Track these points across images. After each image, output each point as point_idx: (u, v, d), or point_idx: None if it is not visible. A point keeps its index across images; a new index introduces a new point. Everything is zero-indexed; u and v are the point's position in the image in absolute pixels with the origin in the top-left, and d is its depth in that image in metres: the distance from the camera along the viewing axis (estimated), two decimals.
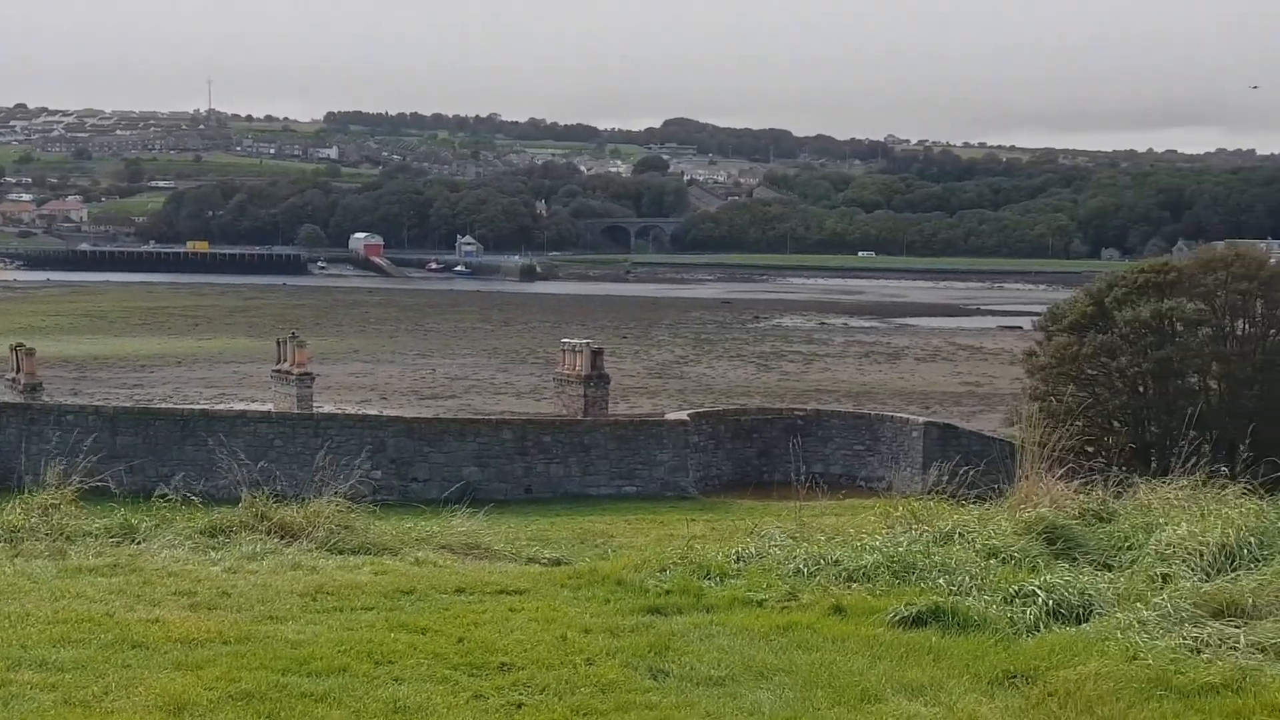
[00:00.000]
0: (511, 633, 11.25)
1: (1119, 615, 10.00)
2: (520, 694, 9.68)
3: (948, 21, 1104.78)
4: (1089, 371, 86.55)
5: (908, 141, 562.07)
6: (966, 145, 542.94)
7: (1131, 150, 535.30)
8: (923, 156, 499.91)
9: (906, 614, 10.63)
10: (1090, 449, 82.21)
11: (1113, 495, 13.55)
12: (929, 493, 16.43)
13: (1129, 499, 13.44)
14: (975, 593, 10.95)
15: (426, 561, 15.19)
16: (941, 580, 11.33)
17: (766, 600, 11.83)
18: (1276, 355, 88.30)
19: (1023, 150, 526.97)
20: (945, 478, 16.38)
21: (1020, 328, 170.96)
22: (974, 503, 14.93)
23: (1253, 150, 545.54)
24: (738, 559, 13.54)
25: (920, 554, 12.00)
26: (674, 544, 15.35)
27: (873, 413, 62.59)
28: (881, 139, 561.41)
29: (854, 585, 11.80)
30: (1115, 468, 19.17)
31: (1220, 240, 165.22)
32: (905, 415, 59.09)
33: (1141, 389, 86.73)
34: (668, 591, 12.41)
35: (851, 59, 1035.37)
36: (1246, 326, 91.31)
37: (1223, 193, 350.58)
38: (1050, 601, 10.41)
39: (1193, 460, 13.84)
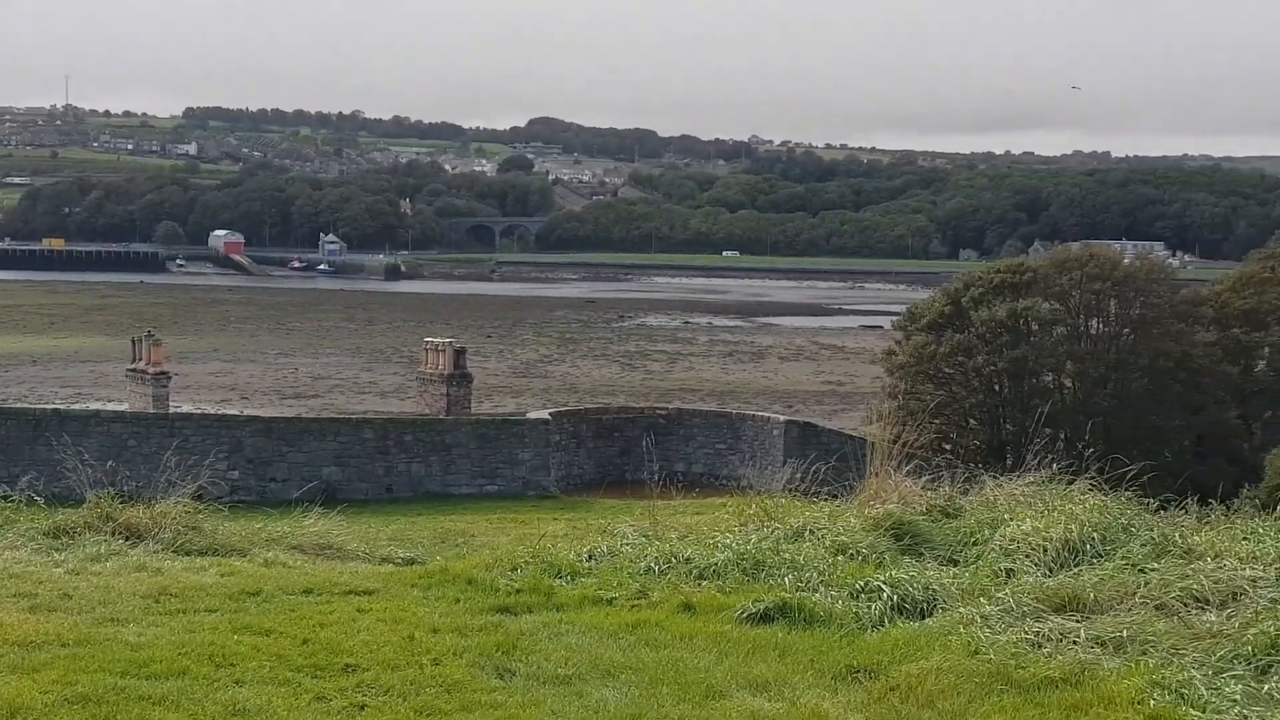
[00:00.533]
0: (358, 634, 11.09)
1: (963, 610, 10.10)
2: (364, 695, 9.54)
3: (810, 23, 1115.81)
4: (946, 370, 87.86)
5: (771, 142, 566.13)
6: (829, 146, 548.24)
7: (989, 152, 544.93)
8: (786, 157, 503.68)
9: (754, 611, 10.64)
10: (947, 446, 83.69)
11: (960, 492, 13.67)
12: (786, 490, 16.53)
13: (976, 495, 13.57)
14: (823, 589, 10.99)
15: (276, 562, 14.96)
16: (790, 577, 11.36)
17: (617, 599, 11.78)
18: (1129, 354, 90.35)
19: (883, 152, 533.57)
20: (801, 475, 16.45)
21: (881, 327, 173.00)
22: (827, 500, 15.01)
23: (1108, 152, 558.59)
24: (590, 557, 13.48)
25: (770, 551, 12.03)
26: (526, 543, 15.25)
27: (734, 412, 62.94)
28: (745, 139, 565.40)
29: (704, 583, 11.78)
30: (966, 465, 19.37)
31: (1075, 241, 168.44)
32: (767, 414, 59.53)
33: (997, 387, 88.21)
34: (518, 590, 12.32)
35: (715, 59, 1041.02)
36: (1100, 326, 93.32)
37: (1078, 194, 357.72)
38: (895, 597, 10.49)
39: (1040, 458, 14.00)
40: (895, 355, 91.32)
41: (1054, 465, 14.03)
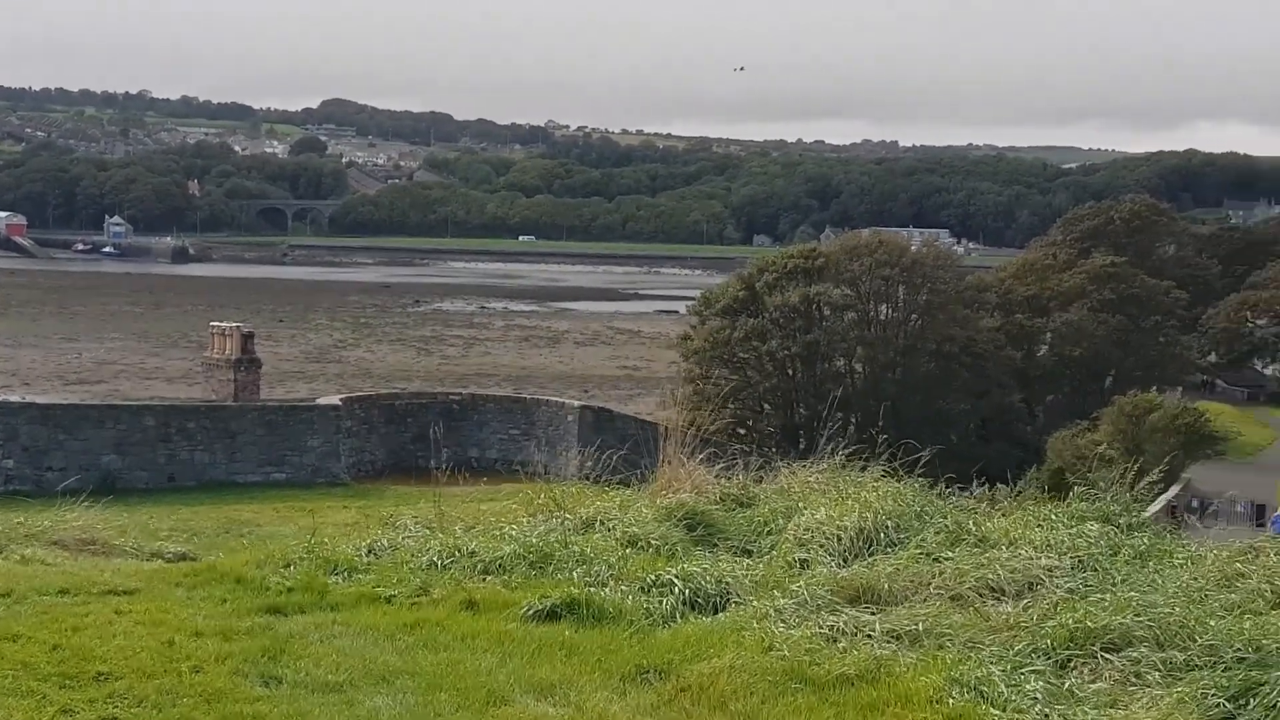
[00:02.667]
0: (114, 638, 10.25)
1: (756, 604, 9.57)
2: (115, 707, 8.77)
3: (605, 7, 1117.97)
4: (741, 355, 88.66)
5: (568, 127, 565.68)
6: (625, 132, 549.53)
7: (782, 140, 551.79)
8: (582, 142, 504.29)
9: (541, 608, 9.96)
10: (742, 431, 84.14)
11: (755, 479, 13.23)
12: (581, 477, 16.02)
13: (770, 483, 13.15)
14: (612, 583, 10.33)
15: (34, 559, 13.97)
16: (579, 571, 10.71)
17: (396, 596, 11.02)
18: (917, 339, 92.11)
19: (679, 138, 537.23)
20: (592, 462, 15.92)
21: (676, 312, 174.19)
22: (619, 488, 14.52)
23: (895, 142, 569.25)
24: (369, 552, 12.64)
25: (559, 544, 11.35)
26: (300, 537, 14.41)
27: (529, 397, 62.31)
28: (542, 124, 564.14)
29: (489, 578, 11.07)
30: (761, 450, 19.00)
31: (865, 228, 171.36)
32: (561, 400, 59.03)
33: (790, 372, 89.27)
34: (290, 589, 11.47)
35: (512, 43, 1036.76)
36: (889, 311, 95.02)
37: (868, 182, 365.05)
38: (688, 591, 9.90)
39: (834, 443, 13.63)
40: (691, 340, 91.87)
41: (845, 451, 13.68)
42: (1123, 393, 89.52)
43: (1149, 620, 8.05)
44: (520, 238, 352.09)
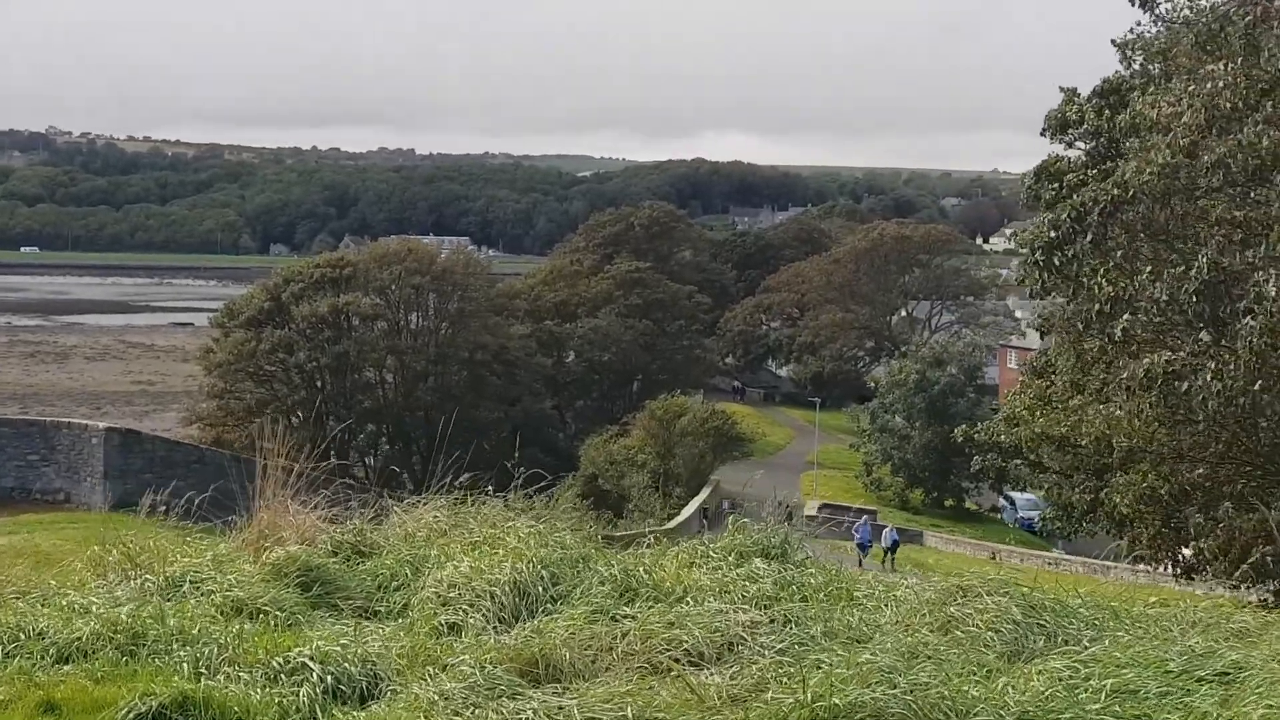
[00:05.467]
0: None
1: (417, 690, 7.63)
2: None
3: (105, 7, 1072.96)
4: (268, 368, 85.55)
5: (70, 134, 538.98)
6: (132, 139, 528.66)
7: (297, 147, 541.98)
8: (86, 149, 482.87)
9: (144, 710, 7.53)
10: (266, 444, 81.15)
11: (372, 523, 11.29)
12: (122, 509, 13.72)
13: (390, 527, 11.28)
14: (229, 669, 8.13)
15: None
16: (183, 653, 8.39)
17: None
18: (448, 347, 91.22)
19: (189, 145, 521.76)
20: (132, 490, 13.61)
21: (192, 324, 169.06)
22: (181, 525, 12.40)
23: (413, 150, 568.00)
24: None
25: (151, 617, 8.94)
26: None
27: (47, 419, 57.48)
28: (42, 130, 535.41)
29: (68, 668, 8.53)
30: (361, 484, 17.07)
31: (386, 237, 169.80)
32: (84, 421, 54.64)
33: (319, 383, 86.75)
34: None
35: (7, 47, 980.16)
36: (420, 320, 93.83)
37: (386, 190, 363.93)
38: (328, 677, 7.91)
39: (452, 475, 11.96)
40: (214, 353, 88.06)
41: (461, 485, 12.08)
42: (651, 397, 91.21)
43: (903, 692, 6.81)
44: (22, 249, 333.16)
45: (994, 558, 62.29)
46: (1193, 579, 28.64)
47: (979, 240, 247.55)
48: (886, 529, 55.90)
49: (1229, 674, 6.94)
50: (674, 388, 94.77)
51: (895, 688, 6.83)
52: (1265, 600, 23.24)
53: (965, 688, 6.93)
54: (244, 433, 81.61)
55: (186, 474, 36.50)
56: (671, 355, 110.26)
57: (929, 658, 7.46)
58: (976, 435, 39.91)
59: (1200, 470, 24.86)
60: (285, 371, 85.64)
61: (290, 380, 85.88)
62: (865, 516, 58.94)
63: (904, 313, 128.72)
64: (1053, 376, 32.00)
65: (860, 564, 44.41)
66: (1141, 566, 46.03)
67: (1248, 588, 25.06)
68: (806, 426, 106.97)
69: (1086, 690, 6.88)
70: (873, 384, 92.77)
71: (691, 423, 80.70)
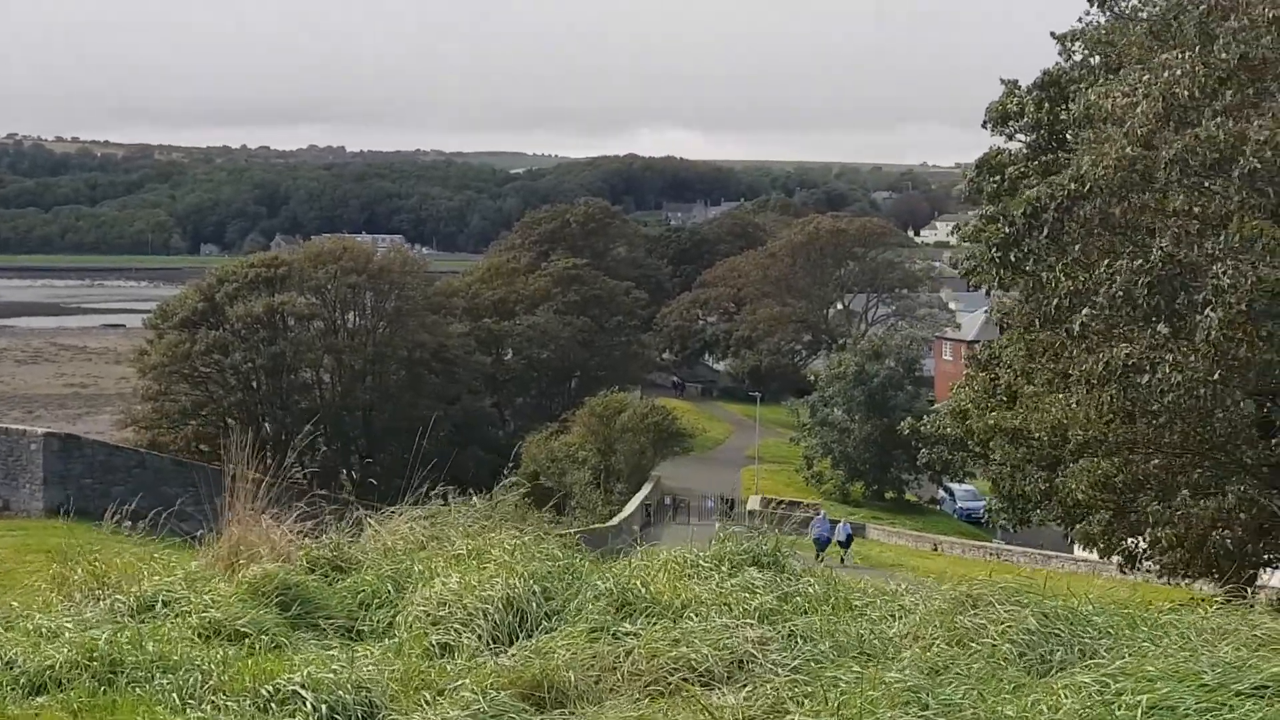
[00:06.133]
0: None
1: (416, 718, 7.40)
2: None
3: (25, 7, 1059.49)
4: (202, 369, 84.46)
5: None
6: (60, 139, 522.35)
7: (226, 146, 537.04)
8: (14, 150, 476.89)
9: None
10: (205, 448, 79.97)
11: (349, 537, 10.85)
12: (64, 516, 13.22)
13: (367, 540, 10.84)
14: (217, 699, 7.72)
15: None
16: (166, 681, 7.92)
17: None
18: (386, 346, 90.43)
19: (119, 145, 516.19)
20: (73, 496, 13.16)
21: (124, 326, 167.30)
22: (138, 534, 11.96)
23: (343, 147, 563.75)
24: None
25: (129, 643, 8.49)
26: None
27: None
28: None
29: (43, 700, 7.86)
30: (332, 492, 16.52)
31: (318, 235, 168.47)
32: (22, 427, 53.50)
33: (255, 385, 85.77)
34: None
35: None
36: (357, 319, 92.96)
37: (318, 188, 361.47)
38: (323, 707, 7.30)
39: (424, 482, 11.58)
40: (148, 355, 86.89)
41: (435, 492, 11.73)
42: (590, 393, 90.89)
43: (935, 714, 6.48)
44: None
45: (936, 549, 62.45)
46: (1136, 569, 28.68)
47: (911, 233, 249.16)
48: (840, 524, 55.75)
49: (1268, 687, 6.68)
50: (613, 384, 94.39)
51: (927, 709, 6.55)
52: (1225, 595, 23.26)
53: (999, 707, 6.66)
54: (179, 434, 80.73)
55: (127, 479, 35.90)
56: (610, 351, 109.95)
57: (956, 674, 7.19)
58: (922, 428, 39.90)
59: (1156, 461, 24.86)
60: (220, 373, 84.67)
61: (226, 382, 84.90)
62: (823, 512, 58.79)
63: (840, 306, 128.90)
64: (997, 369, 31.95)
65: (818, 558, 44.19)
66: (1081, 554, 46.24)
67: (1205, 583, 25.08)
68: (745, 421, 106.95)
69: (1121, 706, 6.61)
70: (812, 377, 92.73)
71: (631, 419, 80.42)
